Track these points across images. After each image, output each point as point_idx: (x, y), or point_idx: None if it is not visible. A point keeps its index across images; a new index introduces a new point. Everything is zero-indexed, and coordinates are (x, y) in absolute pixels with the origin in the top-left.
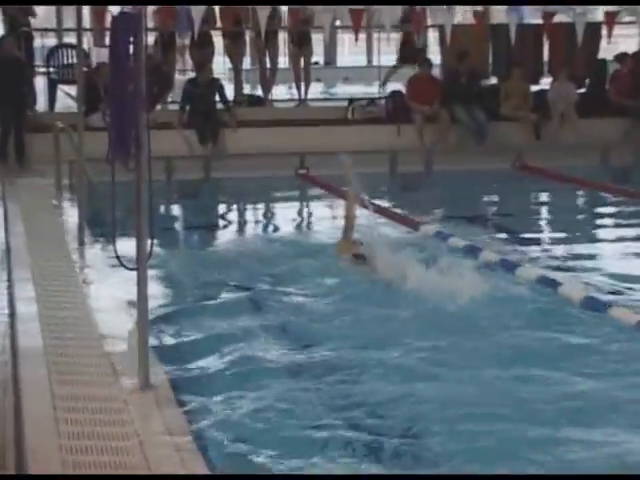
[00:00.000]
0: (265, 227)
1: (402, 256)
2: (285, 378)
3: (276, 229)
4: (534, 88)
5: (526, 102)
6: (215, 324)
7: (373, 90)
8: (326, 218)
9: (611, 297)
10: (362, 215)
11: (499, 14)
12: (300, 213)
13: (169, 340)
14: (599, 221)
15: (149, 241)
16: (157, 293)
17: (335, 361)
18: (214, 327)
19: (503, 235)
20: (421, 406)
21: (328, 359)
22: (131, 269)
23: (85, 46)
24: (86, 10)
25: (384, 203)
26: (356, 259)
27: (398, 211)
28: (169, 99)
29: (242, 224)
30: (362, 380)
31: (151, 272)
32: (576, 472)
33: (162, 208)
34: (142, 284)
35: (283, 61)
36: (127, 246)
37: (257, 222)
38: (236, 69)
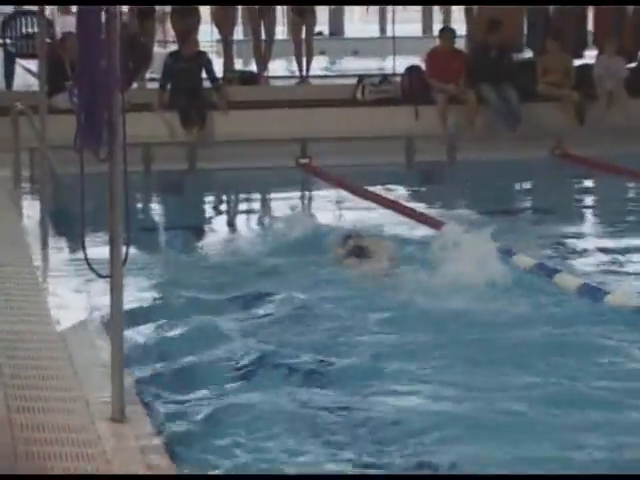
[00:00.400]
0: (260, 227)
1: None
2: (274, 397)
3: (272, 230)
4: (576, 63)
5: (567, 79)
6: (198, 339)
7: (387, 65)
8: (330, 216)
9: None
10: (372, 209)
11: None
12: (301, 210)
13: (145, 358)
14: None
15: (124, 244)
16: (133, 303)
17: (321, 369)
18: (197, 344)
19: (541, 235)
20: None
21: (316, 368)
22: (103, 277)
23: (48, 13)
24: None
25: (399, 198)
26: (347, 258)
27: (416, 208)
28: (147, 76)
29: (233, 223)
30: (349, 389)
31: (127, 280)
32: (576, 472)
33: (140, 204)
34: (116, 294)
35: (281, 31)
36: (99, 249)
37: (250, 221)
38: (226, 41)
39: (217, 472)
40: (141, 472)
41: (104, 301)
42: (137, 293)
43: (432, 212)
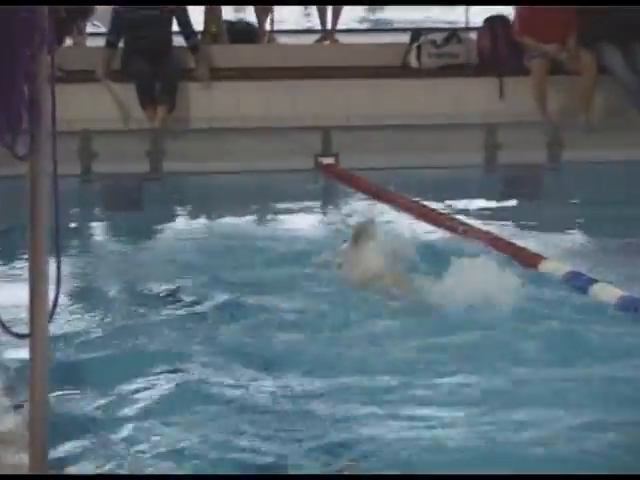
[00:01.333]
0: (252, 262)
1: None
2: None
3: (272, 268)
4: None
5: None
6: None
7: (456, 15)
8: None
9: None
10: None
11: None
12: (321, 238)
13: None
14: None
15: (52, 286)
16: (60, 372)
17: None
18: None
19: None
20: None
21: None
22: (21, 336)
23: None
24: None
25: (475, 218)
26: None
27: (498, 232)
28: (88, 29)
29: (213, 256)
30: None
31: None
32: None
33: (76, 225)
34: (39, 359)
35: None
36: (14, 294)
37: (241, 253)
38: None
39: None
40: None
41: (20, 370)
42: (65, 353)
43: (524, 240)
